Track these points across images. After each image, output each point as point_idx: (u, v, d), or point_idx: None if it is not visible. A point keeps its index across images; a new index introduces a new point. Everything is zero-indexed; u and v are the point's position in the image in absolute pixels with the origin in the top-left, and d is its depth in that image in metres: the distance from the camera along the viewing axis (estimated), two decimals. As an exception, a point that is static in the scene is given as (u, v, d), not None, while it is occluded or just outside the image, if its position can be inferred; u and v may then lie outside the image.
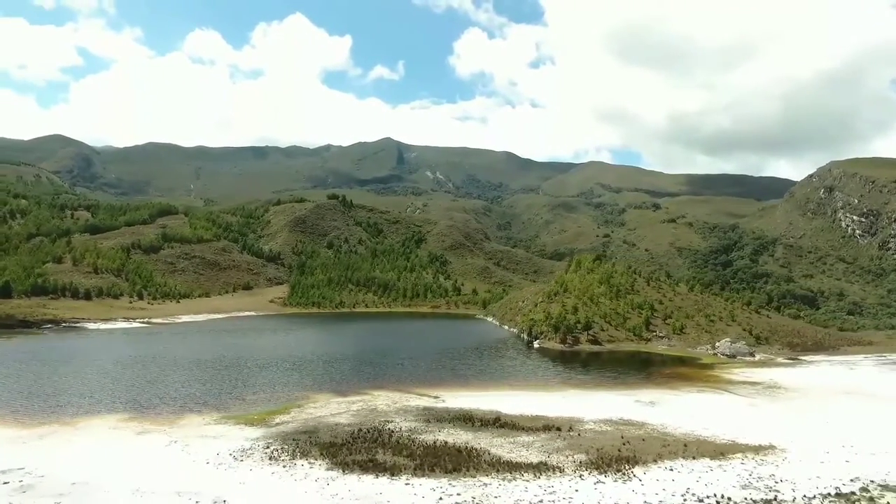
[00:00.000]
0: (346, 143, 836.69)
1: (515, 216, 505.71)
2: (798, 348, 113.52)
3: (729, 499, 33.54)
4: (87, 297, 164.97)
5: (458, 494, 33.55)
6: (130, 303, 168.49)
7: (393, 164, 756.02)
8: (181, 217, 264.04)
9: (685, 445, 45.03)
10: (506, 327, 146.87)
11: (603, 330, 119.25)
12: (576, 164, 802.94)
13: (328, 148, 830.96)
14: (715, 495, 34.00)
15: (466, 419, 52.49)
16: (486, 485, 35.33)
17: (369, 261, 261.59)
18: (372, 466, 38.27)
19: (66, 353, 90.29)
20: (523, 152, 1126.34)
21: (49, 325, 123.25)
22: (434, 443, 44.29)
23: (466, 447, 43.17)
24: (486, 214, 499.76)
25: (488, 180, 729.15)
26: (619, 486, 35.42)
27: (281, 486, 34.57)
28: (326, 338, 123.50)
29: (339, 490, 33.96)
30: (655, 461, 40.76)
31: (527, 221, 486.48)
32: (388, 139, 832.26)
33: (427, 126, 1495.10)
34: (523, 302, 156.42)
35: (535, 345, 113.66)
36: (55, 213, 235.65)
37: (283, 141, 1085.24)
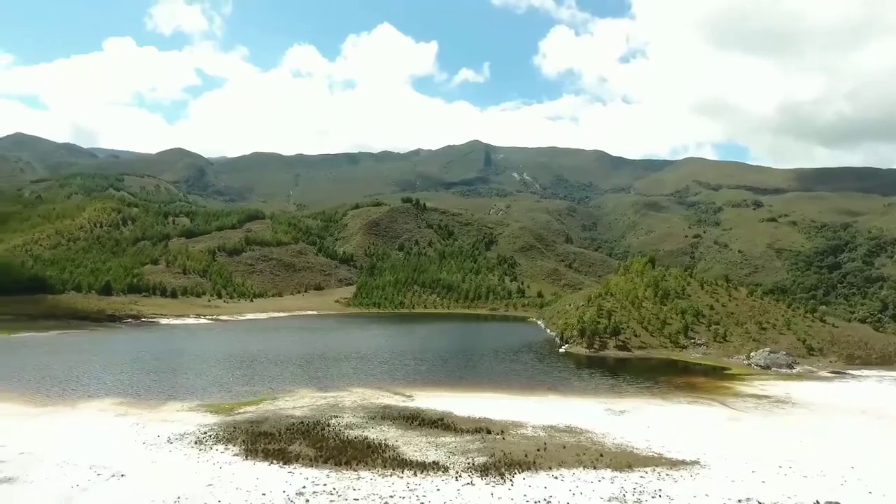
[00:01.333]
0: (435, 147, 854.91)
1: (602, 217, 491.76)
2: (857, 361, 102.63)
3: (582, 508, 33.43)
4: (174, 295, 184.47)
5: (325, 485, 36.23)
6: (209, 301, 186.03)
7: (480, 166, 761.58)
8: (266, 222, 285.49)
9: (601, 455, 44.29)
10: (548, 331, 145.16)
11: (636, 335, 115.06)
12: (672, 162, 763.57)
13: (418, 152, 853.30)
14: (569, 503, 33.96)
15: (411, 418, 54.63)
16: (359, 478, 37.71)
17: (437, 263, 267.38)
18: (275, 455, 41.92)
19: (119, 344, 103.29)
20: (615, 150, 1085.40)
21: (129, 320, 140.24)
22: (354, 438, 47.14)
23: (379, 444, 45.60)
24: (570, 215, 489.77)
25: (577, 180, 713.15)
26: (484, 489, 36.27)
27: (181, 466, 39.18)
28: (358, 336, 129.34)
29: (226, 473, 37.93)
30: (552, 468, 40.80)
31: (613, 222, 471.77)
32: (476, 142, 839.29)
33: (515, 127, 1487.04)
34: (570, 305, 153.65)
35: (562, 349, 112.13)
36: (159, 220, 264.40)
37: (376, 146, 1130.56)
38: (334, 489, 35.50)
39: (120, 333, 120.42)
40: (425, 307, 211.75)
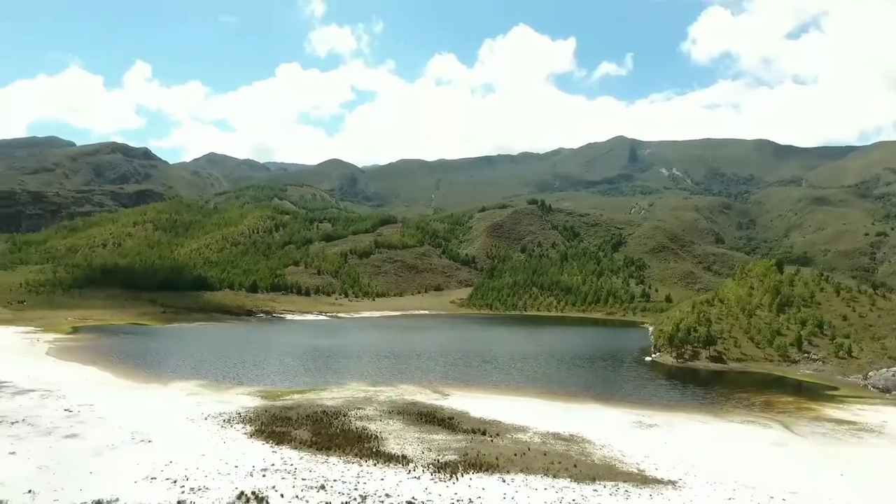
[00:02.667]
0: (576, 146, 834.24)
1: (761, 214, 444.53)
2: None
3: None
4: (307, 293, 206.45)
5: (291, 465, 41.23)
6: (336, 300, 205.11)
7: (623, 163, 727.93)
8: (397, 226, 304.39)
9: (575, 466, 43.68)
10: (652, 338, 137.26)
11: (736, 346, 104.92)
12: (857, 148, 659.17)
13: (558, 152, 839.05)
14: (512, 498, 35.04)
15: (425, 415, 57.82)
16: (324, 462, 42.18)
17: (558, 264, 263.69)
18: (276, 437, 48.11)
19: (238, 335, 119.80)
20: (783, 138, 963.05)
21: (262, 315, 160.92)
22: (354, 428, 51.80)
23: (371, 435, 49.72)
24: (723, 212, 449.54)
25: (735, 173, 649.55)
26: (425, 484, 38.55)
27: (197, 439, 46.94)
28: (447, 336, 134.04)
29: (224, 447, 44.79)
30: (510, 472, 41.55)
31: (776, 219, 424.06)
32: (620, 137, 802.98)
33: (664, 120, 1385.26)
34: (679, 311, 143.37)
35: (649, 358, 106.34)
36: (305, 226, 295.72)
37: (516, 148, 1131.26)
38: (294, 469, 40.40)
39: (246, 326, 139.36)
40: (538, 310, 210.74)
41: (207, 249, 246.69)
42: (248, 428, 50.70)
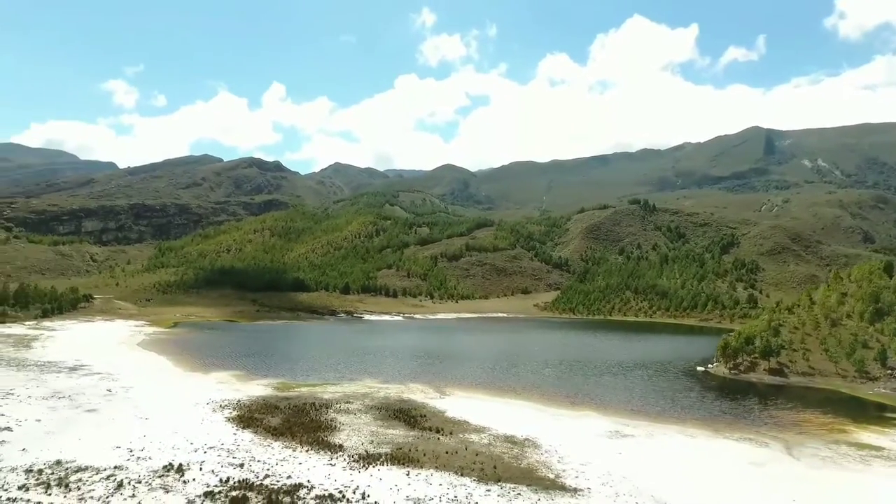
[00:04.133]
0: (703, 139, 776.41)
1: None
2: None
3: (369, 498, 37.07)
4: (395, 295, 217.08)
5: (235, 445, 47.07)
6: (420, 301, 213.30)
7: (758, 155, 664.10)
8: (491, 229, 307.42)
9: (495, 468, 44.52)
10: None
11: (805, 359, 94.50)
12: None
13: (682, 147, 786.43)
14: (431, 499, 37.82)
15: (400, 412, 61.06)
16: (267, 446, 47.42)
17: (657, 267, 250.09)
18: (248, 422, 54.40)
19: (306, 332, 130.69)
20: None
21: (342, 315, 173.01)
22: (322, 419, 56.62)
23: (329, 426, 54.29)
24: (877, 208, 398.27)
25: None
26: (334, 472, 42.07)
27: (186, 418, 54.69)
28: (504, 339, 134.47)
29: (198, 426, 51.90)
30: (424, 467, 43.70)
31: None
32: (755, 128, 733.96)
33: (808, 106, 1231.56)
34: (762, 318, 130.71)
35: (702, 369, 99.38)
36: (403, 230, 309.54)
37: (635, 145, 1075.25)
38: (235, 449, 46.09)
39: (321, 325, 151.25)
40: (625, 315, 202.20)
41: (313, 253, 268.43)
42: (233, 413, 57.71)
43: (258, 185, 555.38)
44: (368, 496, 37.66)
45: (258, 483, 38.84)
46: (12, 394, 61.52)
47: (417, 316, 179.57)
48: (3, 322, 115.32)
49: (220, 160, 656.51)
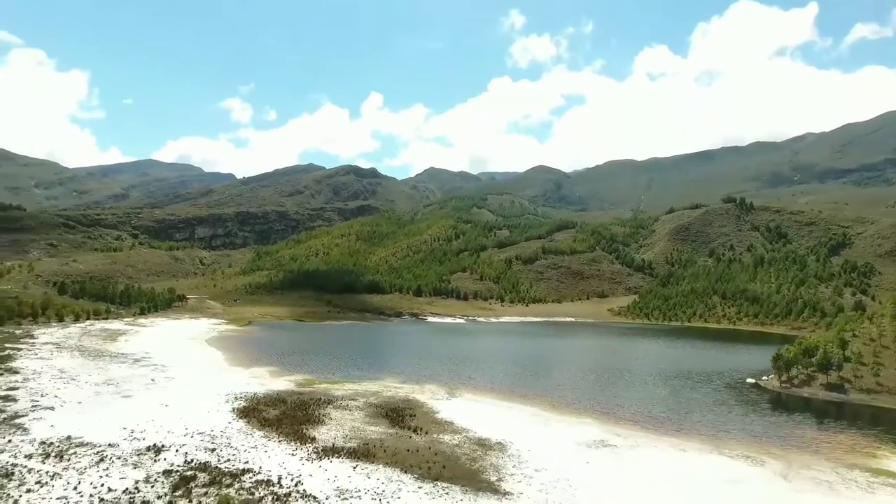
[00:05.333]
0: (827, 129, 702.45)
1: None
2: None
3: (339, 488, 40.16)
4: (465, 298, 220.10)
5: (223, 432, 52.28)
6: (489, 304, 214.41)
7: (895, 144, 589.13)
8: (571, 231, 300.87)
9: (444, 468, 45.78)
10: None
11: (874, 375, 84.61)
12: None
13: (802, 139, 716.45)
14: (357, 491, 40.94)
15: (393, 410, 63.77)
16: (248, 434, 52.22)
17: (750, 271, 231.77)
18: (248, 413, 59.78)
19: (361, 332, 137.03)
20: None
21: (407, 316, 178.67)
22: (314, 413, 60.74)
23: (318, 420, 58.22)
24: None
25: None
26: (292, 461, 45.73)
27: (196, 408, 61.23)
28: (554, 344, 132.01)
29: (205, 416, 58.05)
30: (375, 463, 46.05)
31: None
32: (891, 114, 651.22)
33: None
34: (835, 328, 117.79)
35: (753, 380, 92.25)
36: (482, 233, 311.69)
37: (746, 139, 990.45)
38: (218, 435, 51.24)
39: (381, 326, 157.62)
40: (706, 321, 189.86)
41: (393, 257, 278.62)
42: (241, 405, 63.53)
43: (355, 191, 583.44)
44: (301, 484, 40.82)
45: (214, 466, 43.42)
46: (75, 379, 72.11)
47: (481, 319, 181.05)
48: (107, 318, 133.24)
49: (323, 168, 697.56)
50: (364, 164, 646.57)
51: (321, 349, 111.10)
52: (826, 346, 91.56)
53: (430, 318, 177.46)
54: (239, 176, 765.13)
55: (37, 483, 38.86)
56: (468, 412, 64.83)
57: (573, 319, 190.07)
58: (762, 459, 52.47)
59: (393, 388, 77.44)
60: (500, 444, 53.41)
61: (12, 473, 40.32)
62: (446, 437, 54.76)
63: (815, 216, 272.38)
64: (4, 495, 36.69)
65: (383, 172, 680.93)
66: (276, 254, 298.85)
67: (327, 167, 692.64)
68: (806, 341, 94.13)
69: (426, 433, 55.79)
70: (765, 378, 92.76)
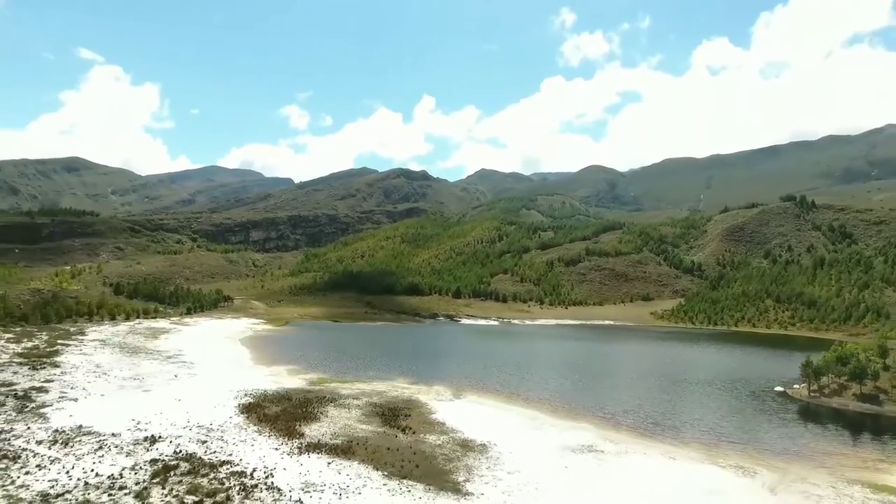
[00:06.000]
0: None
1: None
2: None
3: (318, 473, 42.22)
4: (504, 300, 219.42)
5: (221, 426, 55.38)
6: (528, 306, 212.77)
7: None
8: (617, 232, 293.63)
9: (417, 466, 46.87)
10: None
11: (914, 386, 78.69)
12: None
13: (881, 130, 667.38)
14: (324, 485, 42.99)
15: (390, 409, 65.29)
16: (243, 429, 55.07)
17: (808, 273, 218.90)
18: (249, 410, 62.85)
19: (389, 334, 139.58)
20: None
21: (441, 318, 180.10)
22: (313, 411, 63.06)
23: (313, 417, 60.50)
24: None
25: None
26: (273, 455, 48.02)
27: (205, 403, 64.91)
28: (577, 347, 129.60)
29: (211, 412, 61.56)
30: (351, 460, 47.68)
31: None
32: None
33: None
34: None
35: (780, 388, 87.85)
36: (526, 235, 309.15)
37: (818, 132, 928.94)
38: (215, 429, 54.32)
39: (412, 327, 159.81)
40: (754, 325, 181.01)
41: (435, 259, 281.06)
42: (247, 401, 66.71)
43: (405, 194, 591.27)
44: (272, 477, 42.92)
45: (198, 457, 46.27)
46: (106, 374, 77.89)
47: (515, 321, 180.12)
48: (154, 317, 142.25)
49: (376, 171, 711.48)
50: (417, 167, 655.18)
51: (346, 349, 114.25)
52: (863, 354, 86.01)
53: (463, 320, 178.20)
54: (297, 180, 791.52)
55: (36, 466, 42.81)
56: (465, 413, 65.48)
57: (611, 322, 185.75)
58: (755, 470, 50.39)
59: (401, 388, 79.03)
60: (483, 445, 53.85)
61: (19, 457, 44.56)
62: (431, 438, 55.69)
63: (885, 214, 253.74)
64: (5, 475, 40.67)
65: (436, 175, 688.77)
66: (324, 256, 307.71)
67: (380, 170, 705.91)
68: (842, 348, 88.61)
69: (413, 433, 56.93)
70: (795, 387, 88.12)
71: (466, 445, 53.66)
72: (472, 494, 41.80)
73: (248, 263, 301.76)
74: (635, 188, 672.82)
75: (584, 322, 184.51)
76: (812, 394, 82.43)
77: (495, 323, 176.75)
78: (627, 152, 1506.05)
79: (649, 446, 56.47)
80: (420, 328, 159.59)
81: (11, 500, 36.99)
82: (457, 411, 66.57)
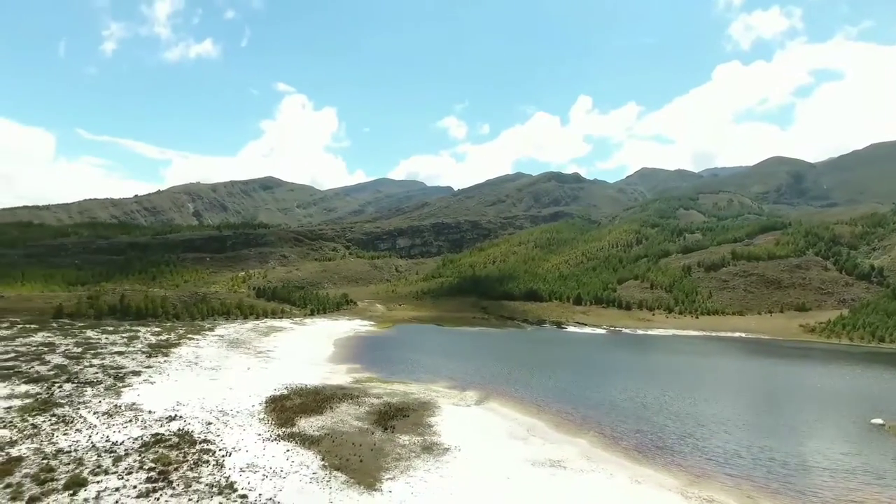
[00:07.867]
0: None
1: None
2: None
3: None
4: (628, 307, 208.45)
5: (235, 410, 64.49)
6: (651, 315, 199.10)
7: None
8: (777, 233, 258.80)
9: (361, 461, 50.35)
10: None
11: None
12: None
13: None
14: (262, 468, 49.83)
15: (396, 409, 69.23)
16: (252, 416, 63.46)
17: None
18: (274, 402, 71.57)
19: (475, 340, 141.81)
20: None
21: (547, 325, 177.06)
22: (325, 407, 69.56)
23: (321, 410, 66.88)
24: None
25: None
26: (257, 443, 55.28)
27: (242, 393, 75.17)
28: (667, 361, 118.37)
29: (232, 400, 71.50)
30: (310, 449, 52.80)
31: None
32: None
33: None
34: None
35: (880, 421, 73.07)
36: (668, 238, 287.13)
37: None
38: (227, 414, 63.45)
39: (514, 332, 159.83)
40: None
41: (565, 264, 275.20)
42: (278, 394, 75.30)
43: (555, 197, 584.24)
44: (228, 456, 49.76)
45: (191, 435, 55.10)
46: (198, 364, 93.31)
47: (626, 331, 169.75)
48: (280, 317, 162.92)
49: (530, 176, 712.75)
50: (575, 170, 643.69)
51: (424, 351, 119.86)
52: None
53: (569, 328, 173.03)
54: (455, 188, 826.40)
55: (76, 430, 55.04)
56: (465, 420, 66.68)
57: (743, 335, 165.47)
58: (725, 506, 44.71)
59: (432, 391, 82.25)
60: (445, 449, 55.18)
61: (73, 421, 57.53)
62: (404, 438, 58.43)
63: None
64: (52, 434, 53.22)
65: (594, 176, 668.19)
66: (459, 262, 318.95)
67: (535, 175, 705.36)
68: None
69: (392, 432, 60.19)
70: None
71: (428, 448, 55.47)
72: (380, 492, 44.14)
73: (391, 269, 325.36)
74: (828, 179, 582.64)
75: (707, 333, 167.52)
76: (914, 430, 67.45)
77: (602, 332, 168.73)
78: (820, 139, 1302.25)
79: (626, 468, 52.70)
80: (518, 334, 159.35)
81: (37, 451, 48.80)
82: (460, 417, 67.99)
